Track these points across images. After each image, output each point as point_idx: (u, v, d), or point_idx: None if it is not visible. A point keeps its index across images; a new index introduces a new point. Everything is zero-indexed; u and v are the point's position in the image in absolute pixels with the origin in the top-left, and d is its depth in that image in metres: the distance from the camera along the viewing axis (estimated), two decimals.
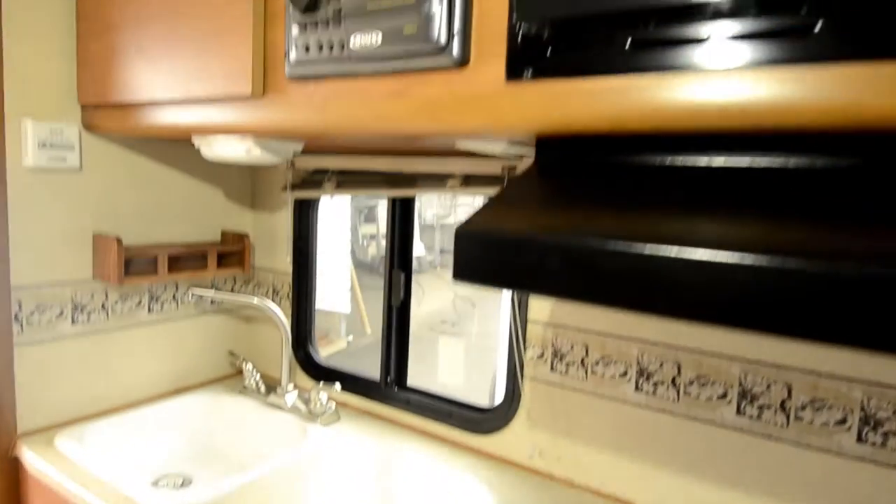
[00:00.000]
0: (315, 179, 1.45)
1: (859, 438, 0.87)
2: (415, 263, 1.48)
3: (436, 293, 5.68)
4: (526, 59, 0.62)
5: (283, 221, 1.56)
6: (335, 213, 3.56)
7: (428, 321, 5.36)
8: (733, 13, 0.51)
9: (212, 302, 1.54)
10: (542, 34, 0.61)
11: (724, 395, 0.97)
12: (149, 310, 1.41)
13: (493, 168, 1.13)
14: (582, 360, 1.11)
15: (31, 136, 1.15)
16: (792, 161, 0.58)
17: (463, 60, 0.68)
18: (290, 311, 1.57)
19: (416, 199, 1.40)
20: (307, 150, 1.30)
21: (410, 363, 1.45)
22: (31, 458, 1.15)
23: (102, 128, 1.21)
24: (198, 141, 1.14)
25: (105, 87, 1.14)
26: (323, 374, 1.53)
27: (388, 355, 1.43)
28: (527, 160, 1.05)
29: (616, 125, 0.60)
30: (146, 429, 1.35)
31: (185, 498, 1.05)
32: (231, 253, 1.51)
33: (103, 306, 1.32)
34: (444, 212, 7.25)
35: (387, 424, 1.37)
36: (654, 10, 0.54)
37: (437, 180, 1.23)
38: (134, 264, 1.30)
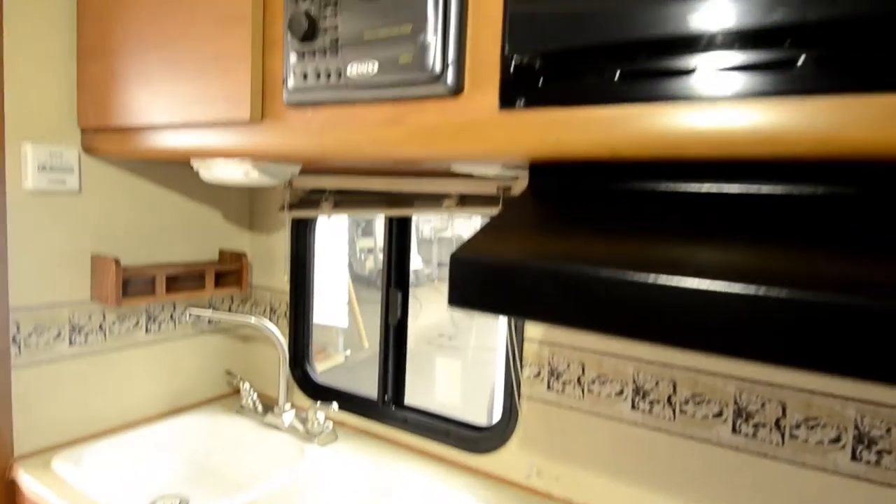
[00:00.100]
0: (312, 199, 1.46)
1: (854, 457, 0.88)
2: (412, 277, 1.49)
3: (434, 306, 5.68)
4: (518, 89, 0.64)
5: (281, 240, 1.56)
6: (333, 227, 3.57)
7: (426, 335, 5.35)
8: (720, 46, 0.53)
9: (209, 321, 1.55)
10: (534, 65, 0.62)
11: (720, 414, 0.98)
12: (146, 330, 1.41)
13: (489, 188, 1.14)
14: (578, 379, 1.12)
15: (30, 159, 1.16)
16: (780, 189, 0.59)
17: (457, 89, 0.69)
18: (287, 330, 1.57)
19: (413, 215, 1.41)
20: (305, 171, 1.31)
21: (408, 378, 1.45)
22: (28, 481, 1.15)
23: (102, 151, 1.22)
24: (197, 164, 1.15)
25: (105, 111, 1.15)
26: (320, 392, 1.53)
27: (385, 374, 1.43)
28: (522, 181, 1.07)
29: (607, 153, 0.62)
30: (143, 450, 1.35)
31: None
32: (229, 272, 1.51)
33: (101, 327, 1.32)
34: (441, 225, 7.27)
35: (384, 444, 1.37)
36: (642, 43, 0.56)
37: (433, 200, 1.25)
38: (132, 285, 1.31)
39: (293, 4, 0.80)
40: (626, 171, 0.68)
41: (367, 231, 6.74)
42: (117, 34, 1.11)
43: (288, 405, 1.42)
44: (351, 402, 1.46)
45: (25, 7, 1.14)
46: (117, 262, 1.24)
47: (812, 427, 0.90)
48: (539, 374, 1.16)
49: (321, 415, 1.36)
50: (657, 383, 1.03)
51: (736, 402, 0.96)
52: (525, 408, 1.18)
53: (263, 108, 0.90)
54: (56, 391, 1.26)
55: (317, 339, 1.64)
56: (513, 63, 0.64)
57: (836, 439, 0.89)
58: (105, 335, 1.33)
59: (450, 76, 0.69)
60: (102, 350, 1.33)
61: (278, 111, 0.88)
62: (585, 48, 0.59)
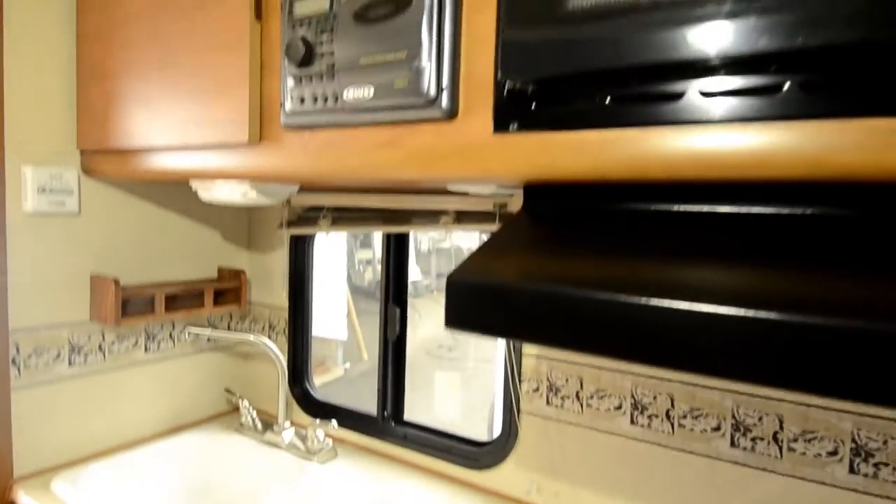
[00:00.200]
0: (310, 216, 1.47)
1: (851, 469, 0.88)
2: (411, 288, 1.50)
3: (433, 317, 5.66)
4: (511, 113, 0.65)
5: (280, 257, 1.57)
6: (332, 240, 3.58)
7: (425, 346, 5.33)
8: (708, 71, 0.54)
9: (208, 339, 1.55)
10: (527, 90, 0.64)
11: (718, 428, 0.98)
12: (145, 349, 1.41)
13: (485, 205, 1.15)
14: (577, 394, 1.12)
15: (30, 181, 1.17)
16: (773, 209, 0.60)
17: (452, 113, 0.71)
18: (286, 347, 1.57)
19: None
20: (303, 189, 1.32)
21: (408, 392, 1.45)
22: (28, 502, 1.14)
23: (101, 172, 1.23)
24: (195, 184, 1.16)
25: (104, 133, 1.16)
26: (320, 409, 1.53)
27: (384, 389, 1.44)
28: (517, 197, 1.08)
29: (599, 175, 0.63)
30: (143, 469, 1.34)
31: None
32: (228, 290, 1.52)
33: (100, 347, 1.32)
34: (439, 236, 7.28)
35: (384, 461, 1.37)
36: (632, 69, 0.57)
37: (430, 217, 1.26)
38: (131, 304, 1.31)
39: (290, 30, 0.82)
40: (620, 191, 0.69)
41: (366, 243, 6.74)
42: (117, 57, 1.12)
43: (287, 423, 1.42)
44: (350, 419, 1.46)
45: (25, 30, 1.15)
46: (116, 282, 1.25)
47: (809, 440, 0.91)
48: (538, 388, 1.17)
49: (321, 432, 1.36)
50: (655, 397, 1.04)
51: (734, 416, 0.97)
52: (524, 423, 1.18)
53: (261, 130, 0.91)
54: (56, 412, 1.26)
55: (316, 352, 1.64)
56: (506, 88, 0.65)
57: (834, 452, 0.89)
58: (104, 355, 1.33)
59: (444, 100, 0.70)
60: (102, 370, 1.33)
61: (276, 134, 0.89)
62: (577, 74, 0.60)
